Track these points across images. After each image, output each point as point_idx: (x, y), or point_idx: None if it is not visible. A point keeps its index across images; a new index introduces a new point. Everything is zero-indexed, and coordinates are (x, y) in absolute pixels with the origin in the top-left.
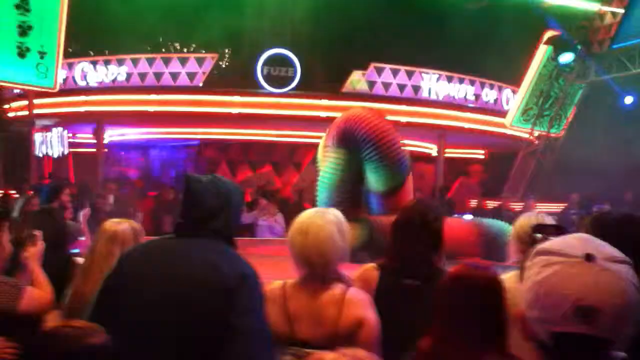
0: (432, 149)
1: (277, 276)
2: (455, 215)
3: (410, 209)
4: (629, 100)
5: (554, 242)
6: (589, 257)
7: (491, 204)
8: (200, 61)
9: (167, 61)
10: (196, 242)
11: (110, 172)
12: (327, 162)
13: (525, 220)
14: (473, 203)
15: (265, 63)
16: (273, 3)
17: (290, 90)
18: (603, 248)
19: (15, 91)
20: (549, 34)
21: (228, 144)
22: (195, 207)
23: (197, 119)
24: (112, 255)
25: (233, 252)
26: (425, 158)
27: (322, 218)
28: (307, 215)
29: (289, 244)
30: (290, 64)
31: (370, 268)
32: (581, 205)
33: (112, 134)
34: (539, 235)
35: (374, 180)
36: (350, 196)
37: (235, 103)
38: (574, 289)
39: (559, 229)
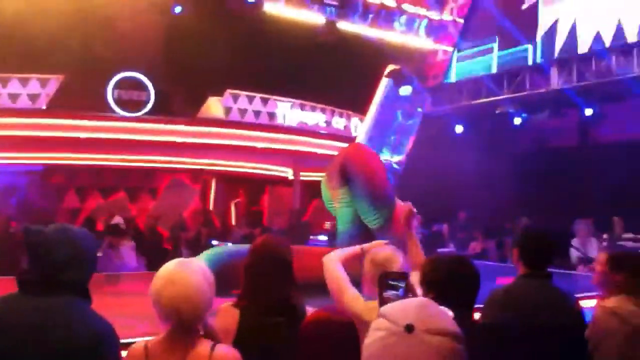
0: (288, 173)
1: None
2: (311, 237)
3: (262, 247)
4: (459, 129)
5: (392, 306)
6: (408, 328)
7: None
8: (43, 82)
9: (5, 81)
10: (46, 301)
11: None
12: (340, 201)
13: (382, 254)
14: (327, 225)
15: (117, 86)
16: (125, 26)
17: (144, 114)
18: (433, 317)
19: None
20: (390, 67)
21: (77, 169)
22: (41, 261)
23: (40, 144)
24: None
25: (87, 308)
26: (283, 181)
27: (189, 268)
28: (172, 266)
29: (155, 295)
30: (144, 87)
31: (229, 309)
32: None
33: None
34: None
35: (364, 217)
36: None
37: (83, 127)
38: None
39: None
